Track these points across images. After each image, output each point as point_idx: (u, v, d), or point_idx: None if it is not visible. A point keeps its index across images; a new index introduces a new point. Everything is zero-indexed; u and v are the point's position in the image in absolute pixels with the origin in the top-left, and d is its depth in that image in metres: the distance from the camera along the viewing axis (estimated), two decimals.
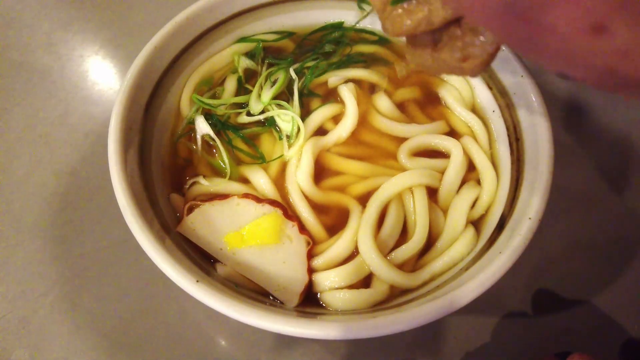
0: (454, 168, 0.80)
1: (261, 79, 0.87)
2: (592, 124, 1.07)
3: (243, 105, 0.87)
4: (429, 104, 0.91)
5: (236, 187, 0.79)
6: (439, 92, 0.91)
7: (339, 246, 0.73)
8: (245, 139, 0.84)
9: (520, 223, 0.66)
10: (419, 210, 0.76)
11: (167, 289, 0.86)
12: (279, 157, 0.82)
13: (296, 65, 0.89)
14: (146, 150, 0.79)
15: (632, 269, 0.89)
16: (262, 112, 0.85)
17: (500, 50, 0.81)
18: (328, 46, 0.94)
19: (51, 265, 0.89)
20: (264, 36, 0.95)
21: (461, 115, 0.88)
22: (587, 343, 0.83)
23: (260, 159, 0.83)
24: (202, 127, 0.83)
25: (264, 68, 0.90)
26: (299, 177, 0.79)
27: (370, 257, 0.71)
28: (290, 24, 0.97)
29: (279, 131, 0.84)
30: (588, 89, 1.11)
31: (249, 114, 0.85)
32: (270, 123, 0.84)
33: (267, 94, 0.85)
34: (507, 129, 0.83)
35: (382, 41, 0.97)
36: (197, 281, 0.61)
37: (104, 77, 1.14)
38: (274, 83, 0.86)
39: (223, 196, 0.76)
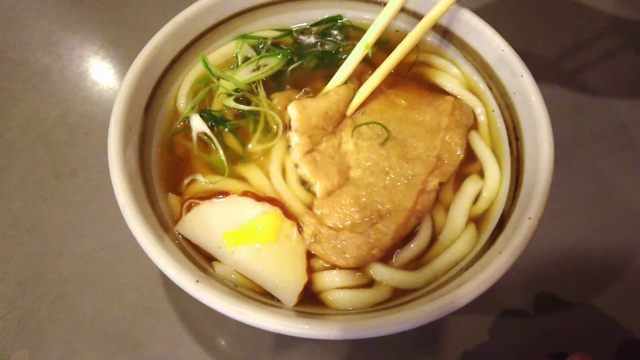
0: None
1: (251, 61, 0.89)
2: (592, 124, 1.07)
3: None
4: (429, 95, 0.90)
5: (236, 184, 0.79)
6: (438, 82, 0.91)
7: None
8: (234, 133, 0.84)
9: (520, 223, 0.66)
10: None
11: (167, 289, 0.86)
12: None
13: (294, 65, 0.91)
14: (146, 150, 0.79)
15: (632, 269, 0.89)
16: (249, 103, 0.86)
17: (501, 50, 0.82)
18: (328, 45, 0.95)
19: (51, 265, 0.89)
20: (264, 33, 0.95)
21: (460, 95, 0.88)
22: (587, 343, 0.83)
23: (241, 157, 0.83)
24: (198, 124, 0.83)
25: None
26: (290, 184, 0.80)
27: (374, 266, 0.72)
28: (290, 24, 0.97)
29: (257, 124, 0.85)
30: (588, 89, 1.12)
31: (237, 100, 0.87)
32: (251, 113, 0.85)
33: (244, 74, 0.87)
34: (507, 128, 0.83)
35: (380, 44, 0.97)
36: (197, 281, 0.61)
37: (104, 77, 1.14)
38: (261, 67, 0.88)
39: (222, 194, 0.76)
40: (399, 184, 0.76)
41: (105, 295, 0.86)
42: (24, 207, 0.95)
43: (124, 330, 0.83)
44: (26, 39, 1.19)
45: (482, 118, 0.86)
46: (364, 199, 0.75)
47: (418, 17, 0.92)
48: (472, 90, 0.89)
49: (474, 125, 0.86)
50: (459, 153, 0.80)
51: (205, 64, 0.84)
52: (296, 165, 0.80)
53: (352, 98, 0.85)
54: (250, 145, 0.83)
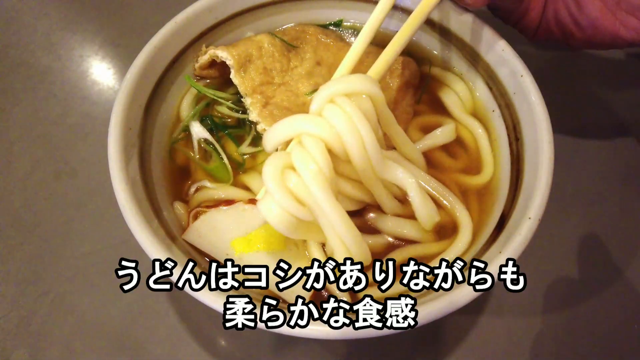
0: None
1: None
2: (592, 124, 1.07)
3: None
4: (431, 110, 0.91)
5: (242, 193, 0.79)
6: (440, 97, 0.91)
7: None
8: (234, 140, 0.84)
9: (520, 223, 0.66)
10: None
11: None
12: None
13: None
14: (146, 152, 0.79)
15: (632, 269, 0.89)
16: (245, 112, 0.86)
17: (501, 50, 0.81)
18: None
19: (51, 265, 0.89)
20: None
21: (461, 120, 0.88)
22: (587, 342, 0.83)
23: (242, 165, 0.83)
24: (198, 131, 0.83)
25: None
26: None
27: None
28: (290, 24, 0.97)
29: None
30: (588, 89, 1.11)
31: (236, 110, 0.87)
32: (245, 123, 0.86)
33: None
34: (507, 128, 0.83)
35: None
36: None
37: (104, 77, 1.14)
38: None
39: (229, 202, 0.76)
40: None
41: (105, 295, 0.86)
42: (24, 207, 0.95)
43: (124, 330, 0.83)
44: (26, 39, 1.19)
45: (484, 142, 0.86)
46: None
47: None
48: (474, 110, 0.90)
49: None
50: (410, 112, 0.87)
51: (193, 82, 0.86)
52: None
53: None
54: (241, 149, 0.83)
